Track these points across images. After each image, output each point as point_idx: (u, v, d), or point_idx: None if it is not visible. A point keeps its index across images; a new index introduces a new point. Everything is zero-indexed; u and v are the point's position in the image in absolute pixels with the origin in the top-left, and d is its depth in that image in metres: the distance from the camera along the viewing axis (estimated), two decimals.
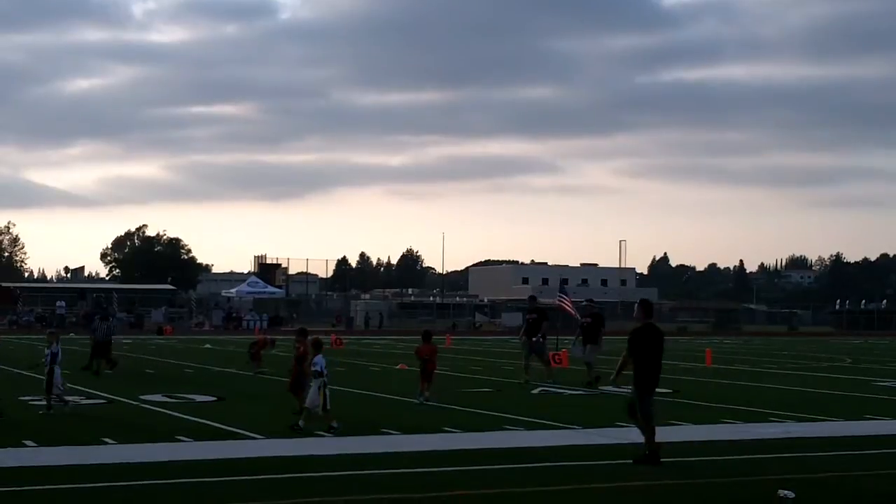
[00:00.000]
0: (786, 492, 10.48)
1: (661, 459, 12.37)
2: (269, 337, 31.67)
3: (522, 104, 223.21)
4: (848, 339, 67.89)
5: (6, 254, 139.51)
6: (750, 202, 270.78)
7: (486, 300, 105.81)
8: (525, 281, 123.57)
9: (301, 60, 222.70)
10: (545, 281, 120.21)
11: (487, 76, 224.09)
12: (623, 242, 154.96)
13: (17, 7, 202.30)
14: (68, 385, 20.71)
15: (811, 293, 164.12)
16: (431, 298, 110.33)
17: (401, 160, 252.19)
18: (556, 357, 28.17)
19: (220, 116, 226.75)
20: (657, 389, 12.81)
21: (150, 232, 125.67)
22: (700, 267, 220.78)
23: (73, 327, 58.87)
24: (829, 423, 17.42)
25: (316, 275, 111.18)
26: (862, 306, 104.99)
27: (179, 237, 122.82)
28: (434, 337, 20.98)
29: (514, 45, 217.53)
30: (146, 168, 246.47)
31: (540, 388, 22.96)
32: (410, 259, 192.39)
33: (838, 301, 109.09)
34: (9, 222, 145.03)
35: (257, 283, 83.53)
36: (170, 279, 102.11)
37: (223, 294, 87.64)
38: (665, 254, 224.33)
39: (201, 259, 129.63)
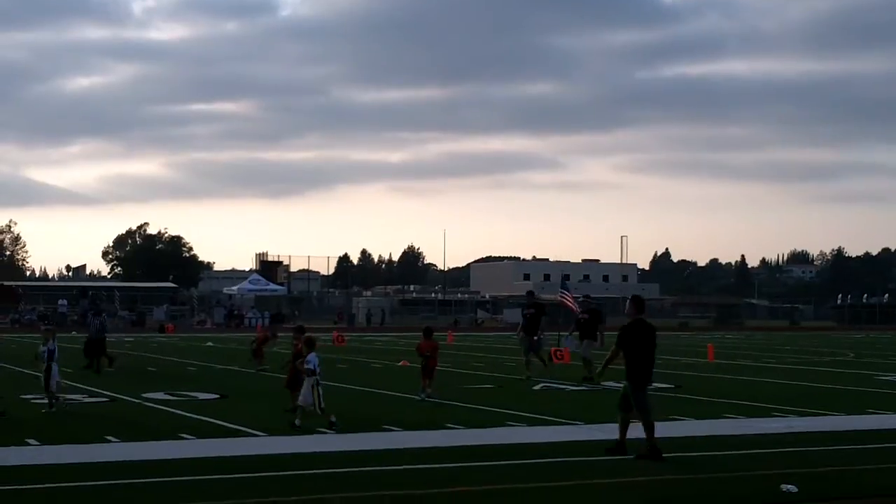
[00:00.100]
0: (788, 486, 10.49)
1: (664, 455, 12.40)
2: (269, 332, 31.64)
3: (523, 100, 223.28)
4: (850, 333, 67.87)
5: (7, 252, 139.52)
6: (751, 197, 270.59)
7: (487, 296, 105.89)
8: (526, 277, 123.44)
9: (301, 58, 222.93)
10: (547, 277, 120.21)
11: (487, 72, 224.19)
12: (624, 238, 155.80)
13: (18, 5, 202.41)
14: (68, 383, 20.76)
15: (813, 288, 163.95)
16: (433, 295, 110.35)
17: (401, 157, 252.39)
18: (559, 353, 28.20)
19: (221, 114, 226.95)
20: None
21: (152, 230, 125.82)
22: (701, 262, 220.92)
23: (74, 325, 58.91)
24: (831, 418, 17.42)
25: (317, 272, 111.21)
26: (864, 301, 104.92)
27: (181, 235, 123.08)
28: (435, 333, 21.00)
29: (513, 41, 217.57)
30: (147, 166, 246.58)
31: (542, 385, 22.97)
32: (412, 256, 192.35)
33: (840, 296, 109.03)
34: (10, 221, 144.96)
35: (259, 280, 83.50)
36: (171, 277, 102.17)
37: (225, 292, 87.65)
38: (666, 249, 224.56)
39: (203, 257, 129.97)
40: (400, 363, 30.33)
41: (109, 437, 13.97)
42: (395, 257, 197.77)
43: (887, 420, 17.19)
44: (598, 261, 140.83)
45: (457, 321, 79.06)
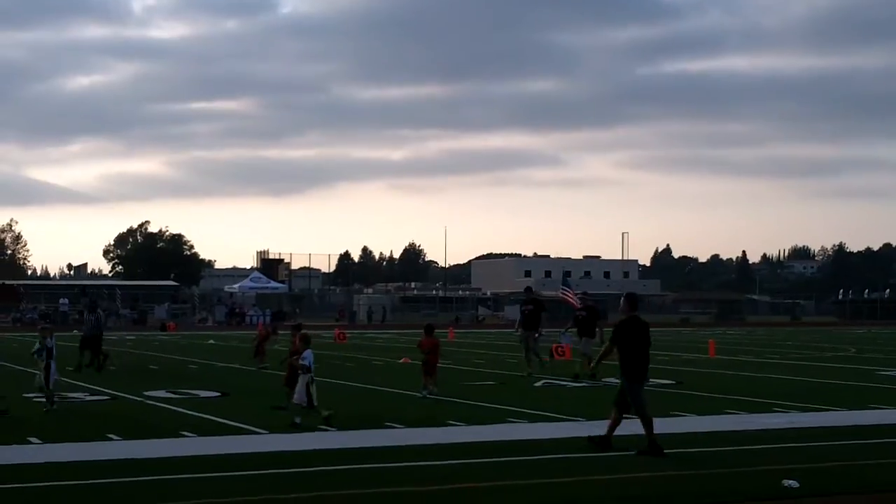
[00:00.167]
0: (790, 481, 10.49)
1: (665, 451, 12.40)
2: (271, 328, 31.65)
3: (523, 97, 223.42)
4: (851, 328, 67.85)
5: (9, 252, 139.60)
6: (752, 193, 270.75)
7: (488, 293, 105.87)
8: (527, 274, 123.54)
9: (301, 55, 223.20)
10: (548, 273, 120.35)
11: (488, 69, 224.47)
12: (625, 234, 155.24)
13: (18, 4, 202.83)
14: (68, 381, 20.77)
15: (814, 283, 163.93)
16: (434, 292, 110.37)
17: (402, 154, 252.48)
18: (560, 350, 28.20)
19: (221, 112, 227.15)
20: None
21: (153, 228, 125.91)
22: (703, 258, 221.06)
23: (76, 324, 58.87)
24: (833, 413, 17.42)
25: (318, 269, 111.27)
26: (865, 296, 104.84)
27: (182, 233, 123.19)
28: (437, 330, 20.99)
29: (514, 38, 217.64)
30: (147, 164, 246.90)
31: (543, 381, 22.97)
32: (413, 253, 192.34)
33: (841, 291, 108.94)
34: (11, 220, 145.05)
35: (260, 278, 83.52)
36: (172, 275, 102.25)
37: (226, 290, 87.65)
38: (668, 245, 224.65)
39: (204, 255, 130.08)
40: (401, 360, 30.33)
41: (111, 436, 13.98)
42: (396, 255, 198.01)
43: (889, 415, 17.17)
44: (599, 257, 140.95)
45: (458, 318, 79.05)
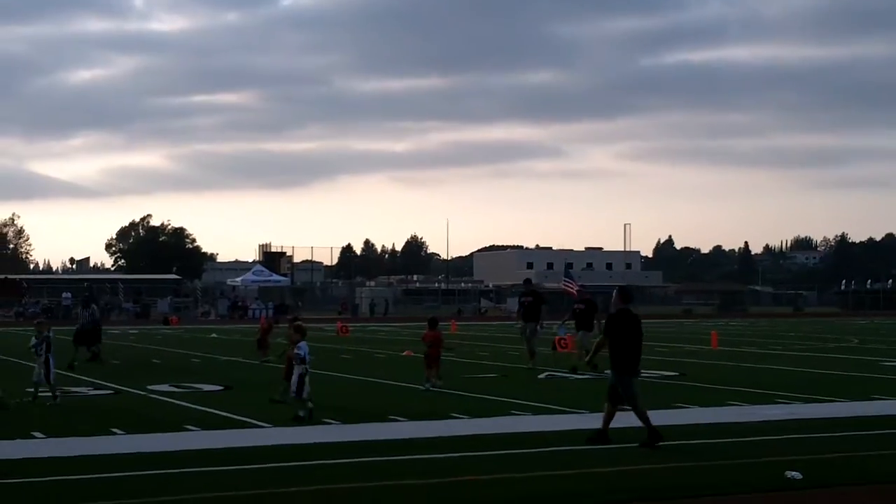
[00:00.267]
0: (793, 473, 10.49)
1: (665, 442, 12.40)
2: (273, 321, 31.64)
3: (525, 89, 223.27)
4: (854, 319, 67.83)
5: (11, 246, 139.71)
6: (754, 184, 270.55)
7: (491, 285, 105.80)
8: (530, 266, 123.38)
9: (302, 48, 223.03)
10: (550, 265, 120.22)
11: (489, 61, 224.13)
12: (627, 226, 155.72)
13: None
14: (74, 376, 20.79)
15: (816, 274, 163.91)
16: (436, 284, 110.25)
17: (403, 146, 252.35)
18: (563, 342, 28.17)
19: (222, 105, 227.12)
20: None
21: (155, 222, 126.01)
22: (705, 249, 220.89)
23: (78, 318, 58.87)
24: (835, 404, 17.42)
25: (321, 262, 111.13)
26: (868, 286, 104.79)
27: (184, 227, 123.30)
28: (440, 323, 20.99)
29: (515, 29, 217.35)
30: (149, 158, 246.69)
31: (546, 373, 22.98)
32: (415, 245, 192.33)
33: (844, 281, 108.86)
34: (13, 214, 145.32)
35: (262, 271, 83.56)
36: (175, 269, 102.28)
37: (228, 283, 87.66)
38: (670, 236, 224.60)
39: (206, 248, 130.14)
40: (404, 353, 30.35)
41: (115, 430, 14.00)
42: (398, 247, 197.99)
43: (892, 406, 17.18)
44: (601, 249, 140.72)
45: (460, 310, 79.05)
